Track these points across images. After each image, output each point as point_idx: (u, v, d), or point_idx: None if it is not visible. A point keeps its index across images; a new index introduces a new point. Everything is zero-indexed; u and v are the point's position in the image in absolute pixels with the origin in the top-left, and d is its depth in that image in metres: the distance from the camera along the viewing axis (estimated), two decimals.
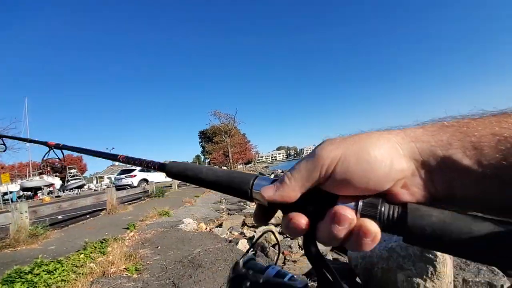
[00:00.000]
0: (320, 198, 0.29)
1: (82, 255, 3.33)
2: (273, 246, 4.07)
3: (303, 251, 3.93)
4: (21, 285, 2.47)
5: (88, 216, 7.50)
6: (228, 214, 6.85)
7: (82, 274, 2.86)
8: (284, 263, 3.46)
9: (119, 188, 14.10)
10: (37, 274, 2.61)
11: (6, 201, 16.14)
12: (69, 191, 26.95)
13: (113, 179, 27.97)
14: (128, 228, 5.15)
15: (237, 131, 31.24)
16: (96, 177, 46.45)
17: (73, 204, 6.79)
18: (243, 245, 3.99)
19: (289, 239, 4.36)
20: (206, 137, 45.95)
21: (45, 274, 2.65)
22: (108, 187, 13.79)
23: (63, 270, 2.80)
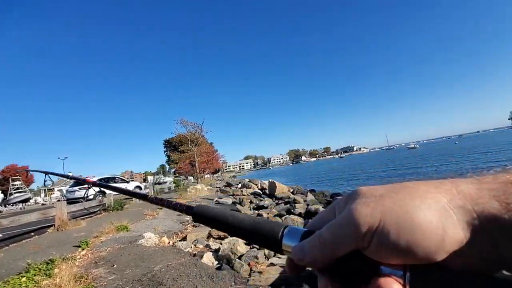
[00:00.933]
0: (360, 264, 0.25)
1: (24, 279, 2.96)
2: (239, 257, 4.00)
3: (269, 261, 3.93)
4: None
5: (33, 233, 6.65)
6: (193, 226, 6.59)
7: None
8: (249, 274, 3.40)
9: (71, 201, 12.83)
10: None
11: None
12: (12, 205, 23.98)
13: (64, 191, 25.56)
14: (79, 246, 4.67)
15: (204, 140, 30.66)
16: (45, 190, 41.81)
17: (15, 220, 5.99)
18: (208, 258, 3.85)
19: (255, 249, 4.32)
20: (171, 146, 44.31)
21: None
22: (58, 200, 12.46)
23: None
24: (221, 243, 4.73)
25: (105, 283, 3.06)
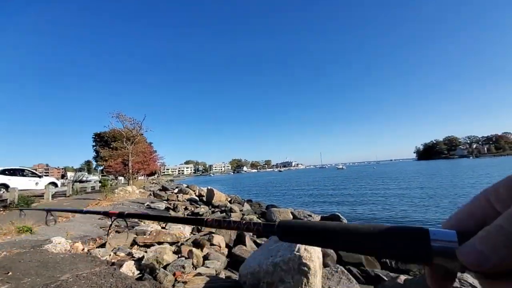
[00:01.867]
0: None
1: None
2: (165, 267, 3.77)
3: (196, 271, 3.80)
4: None
5: None
6: (117, 232, 5.95)
7: None
8: (173, 285, 3.24)
9: None
10: None
11: None
12: None
13: None
14: None
15: (143, 138, 28.41)
16: None
17: None
18: (129, 267, 3.52)
19: (183, 258, 4.15)
20: (103, 141, 39.47)
21: None
22: None
23: None
24: (146, 251, 4.39)
25: None
